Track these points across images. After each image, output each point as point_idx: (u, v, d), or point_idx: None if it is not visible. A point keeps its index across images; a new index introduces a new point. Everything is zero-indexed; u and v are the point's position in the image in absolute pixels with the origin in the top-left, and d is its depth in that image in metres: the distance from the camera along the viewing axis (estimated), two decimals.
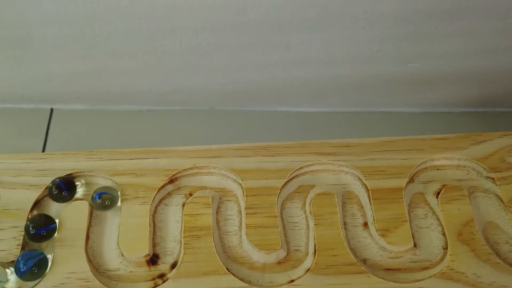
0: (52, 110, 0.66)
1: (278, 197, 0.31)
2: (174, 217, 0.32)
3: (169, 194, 0.33)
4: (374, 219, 0.31)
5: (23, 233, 0.30)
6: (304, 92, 0.64)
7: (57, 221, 0.30)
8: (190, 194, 0.32)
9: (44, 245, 0.30)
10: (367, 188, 0.32)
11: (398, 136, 0.35)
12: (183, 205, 0.32)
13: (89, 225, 0.31)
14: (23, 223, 0.31)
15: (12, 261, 0.29)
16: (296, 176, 0.33)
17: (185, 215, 0.31)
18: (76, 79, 0.62)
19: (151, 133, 0.64)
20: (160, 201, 0.32)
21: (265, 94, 0.65)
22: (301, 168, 0.33)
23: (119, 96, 0.66)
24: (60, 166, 0.33)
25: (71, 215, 0.31)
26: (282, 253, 0.30)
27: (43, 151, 0.62)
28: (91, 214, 0.31)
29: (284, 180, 0.32)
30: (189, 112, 0.67)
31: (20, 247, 0.30)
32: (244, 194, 0.31)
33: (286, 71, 0.59)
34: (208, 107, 0.68)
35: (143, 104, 0.67)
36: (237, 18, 0.48)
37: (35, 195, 0.32)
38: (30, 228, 0.29)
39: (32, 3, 0.44)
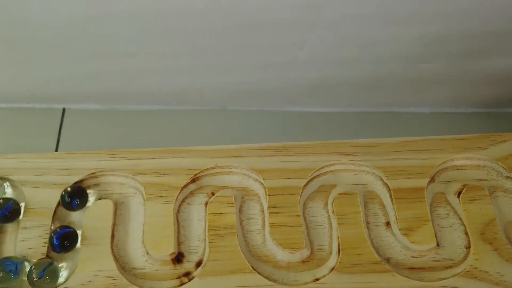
0: (64, 109, 0.66)
1: (300, 196, 0.32)
2: (197, 216, 0.32)
3: (191, 193, 0.33)
4: (396, 219, 0.31)
5: (49, 231, 0.30)
6: (317, 92, 0.65)
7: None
8: (212, 193, 0.33)
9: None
10: (389, 188, 0.32)
11: (411, 135, 0.35)
12: (206, 204, 0.32)
13: (114, 223, 0.31)
14: (48, 221, 0.31)
15: (40, 259, 0.29)
16: (317, 175, 0.33)
17: (208, 214, 0.31)
18: (88, 79, 0.62)
19: (163, 132, 0.65)
20: (183, 200, 0.32)
21: (277, 94, 0.66)
22: (322, 167, 0.33)
23: (131, 95, 0.66)
24: (83, 165, 0.33)
25: (96, 214, 0.31)
26: (306, 252, 0.30)
27: (56, 150, 0.62)
28: (115, 212, 0.31)
29: (306, 180, 0.32)
30: (200, 112, 0.67)
31: (46, 245, 0.30)
32: (267, 194, 0.32)
33: (299, 71, 0.60)
34: (219, 107, 0.68)
35: (155, 104, 0.67)
36: (250, 19, 0.48)
37: (59, 194, 0.32)
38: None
39: (46, 4, 0.45)
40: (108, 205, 0.32)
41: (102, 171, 0.33)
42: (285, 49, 0.55)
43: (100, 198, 0.32)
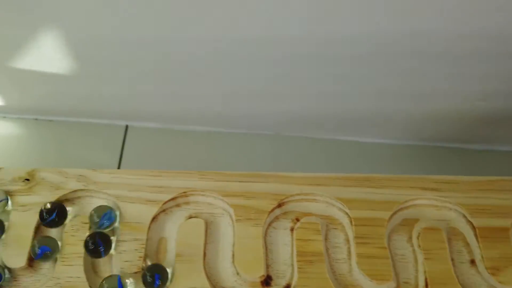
0: (127, 126, 0.69)
1: (385, 228, 0.32)
2: (282, 240, 0.33)
3: (276, 218, 0.34)
4: (482, 257, 0.31)
5: (144, 245, 0.32)
6: (372, 123, 0.66)
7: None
8: (297, 219, 0.34)
9: None
10: (473, 225, 0.32)
11: (490, 174, 0.35)
12: (291, 229, 0.33)
13: (205, 242, 0.32)
14: (144, 236, 0.32)
15: (135, 272, 0.31)
16: (401, 209, 0.34)
17: (296, 239, 0.32)
18: (152, 99, 0.65)
19: (221, 154, 0.67)
20: (269, 224, 0.34)
21: (332, 122, 0.67)
22: (406, 201, 0.34)
23: (191, 117, 0.69)
24: (174, 184, 0.35)
25: (188, 231, 0.33)
26: (392, 284, 0.30)
27: (119, 166, 0.65)
28: (206, 231, 0.33)
29: (390, 213, 0.33)
30: (255, 136, 0.69)
31: (142, 259, 0.31)
32: (353, 224, 0.33)
33: (356, 101, 0.61)
34: (273, 132, 0.70)
35: (213, 125, 0.69)
36: (317, 50, 0.50)
37: (153, 210, 0.33)
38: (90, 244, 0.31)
39: (117, 25, 0.47)
40: (199, 224, 0.33)
41: (193, 191, 0.35)
42: (345, 80, 0.56)
43: (190, 217, 0.34)
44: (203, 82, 0.59)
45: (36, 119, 0.68)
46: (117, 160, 0.65)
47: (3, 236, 0.33)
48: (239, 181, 0.35)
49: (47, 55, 0.52)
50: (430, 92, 0.55)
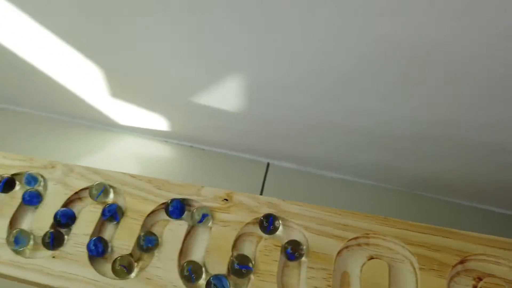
0: (268, 164, 0.75)
1: None
2: None
3: (458, 273, 0.35)
4: None
5: (331, 276, 0.35)
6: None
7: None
8: (479, 278, 0.34)
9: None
10: None
11: None
12: (474, 287, 0.34)
13: (389, 284, 0.34)
14: (330, 267, 0.35)
15: None
16: None
17: None
18: (294, 141, 0.70)
19: (361, 203, 0.69)
20: (451, 278, 0.35)
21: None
22: None
23: (329, 162, 0.72)
24: (357, 224, 0.38)
25: (373, 271, 0.35)
26: None
27: None
28: (390, 274, 0.35)
29: None
30: (383, 188, 0.70)
31: (330, 287, 0.34)
32: None
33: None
34: (408, 189, 0.70)
35: (346, 174, 0.72)
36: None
37: (338, 245, 0.37)
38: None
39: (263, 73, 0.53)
40: (383, 265, 0.35)
41: (375, 234, 0.37)
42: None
43: (371, 257, 0.36)
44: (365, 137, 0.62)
45: (191, 146, 0.76)
46: (259, 193, 0.71)
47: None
48: (421, 232, 0.37)
49: (223, 94, 0.60)
50: None
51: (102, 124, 0.76)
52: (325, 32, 0.42)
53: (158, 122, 0.72)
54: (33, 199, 0.41)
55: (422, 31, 0.39)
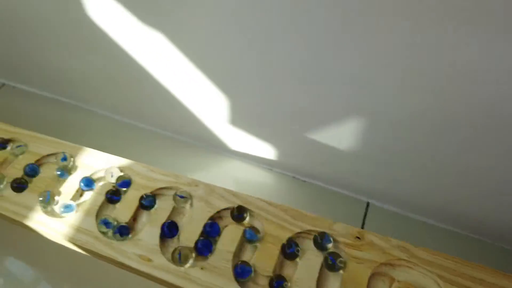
0: (368, 204, 0.76)
1: None
2: None
3: None
4: None
5: None
6: None
7: None
8: None
9: None
10: None
11: None
12: None
13: None
14: None
15: None
16: None
17: None
18: (393, 182, 0.70)
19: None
20: None
21: None
22: None
23: (424, 208, 0.72)
24: (489, 279, 0.38)
25: None
26: None
27: None
28: None
29: None
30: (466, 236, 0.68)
31: None
32: None
33: None
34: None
35: (441, 222, 0.71)
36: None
37: None
38: None
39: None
40: None
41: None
42: None
43: None
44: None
45: (294, 177, 0.80)
46: None
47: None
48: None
49: (338, 132, 0.63)
50: None
51: (214, 147, 0.82)
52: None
53: (266, 151, 0.77)
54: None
55: None
